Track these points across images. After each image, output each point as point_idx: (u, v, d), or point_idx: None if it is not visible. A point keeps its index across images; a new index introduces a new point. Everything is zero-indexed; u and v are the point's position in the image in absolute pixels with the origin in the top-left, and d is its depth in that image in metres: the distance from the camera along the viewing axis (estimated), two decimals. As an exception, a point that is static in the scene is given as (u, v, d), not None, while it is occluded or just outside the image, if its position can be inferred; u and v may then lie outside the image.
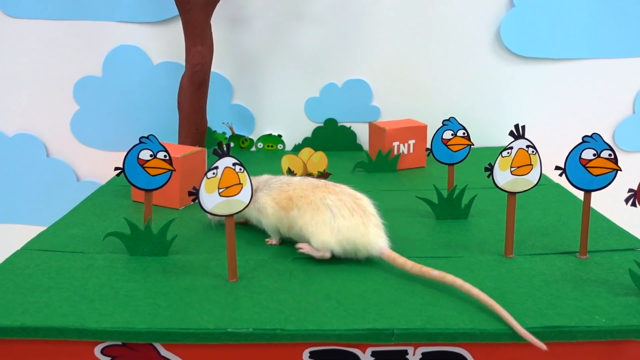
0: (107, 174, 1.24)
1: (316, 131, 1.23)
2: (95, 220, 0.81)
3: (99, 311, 0.57)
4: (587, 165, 0.66)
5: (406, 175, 1.05)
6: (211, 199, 0.61)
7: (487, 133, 1.24)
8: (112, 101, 1.21)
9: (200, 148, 0.92)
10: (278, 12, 1.17)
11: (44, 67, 1.19)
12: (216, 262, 0.69)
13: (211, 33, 1.05)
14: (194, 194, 0.60)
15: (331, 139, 1.23)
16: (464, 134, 0.80)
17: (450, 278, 0.61)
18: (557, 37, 1.17)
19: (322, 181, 0.72)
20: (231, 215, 0.62)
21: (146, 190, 0.69)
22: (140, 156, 0.68)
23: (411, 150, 1.09)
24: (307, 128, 1.23)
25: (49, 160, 1.24)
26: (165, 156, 0.68)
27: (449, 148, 0.81)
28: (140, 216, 0.82)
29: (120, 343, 0.56)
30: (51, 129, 1.23)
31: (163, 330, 0.55)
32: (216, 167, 0.60)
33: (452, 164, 0.81)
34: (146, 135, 0.67)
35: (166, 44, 1.18)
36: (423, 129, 1.09)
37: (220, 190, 0.61)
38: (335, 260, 0.68)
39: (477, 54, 1.19)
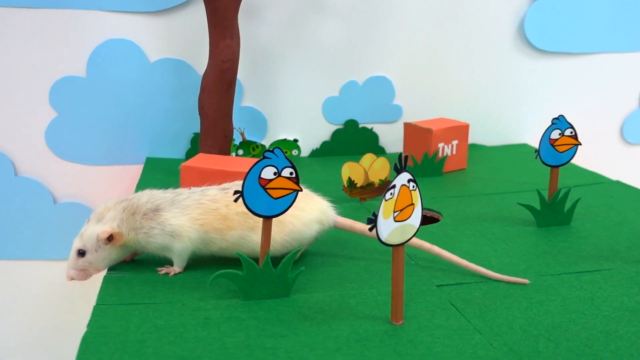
0: (90, 194, 1.05)
1: (335, 134, 1.11)
2: (161, 258, 0.64)
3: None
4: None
5: (456, 179, 0.97)
6: (387, 226, 0.49)
7: (510, 130, 1.19)
8: (97, 106, 1.01)
9: (253, 158, 0.77)
10: (294, 3, 1.04)
11: (12, 65, 0.97)
12: (355, 299, 0.56)
13: (238, 26, 0.90)
14: (373, 221, 0.47)
15: (352, 142, 1.12)
16: (571, 133, 0.73)
17: (426, 245, 0.63)
18: (579, 30, 1.15)
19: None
20: (402, 244, 0.50)
21: (266, 217, 0.54)
22: (262, 175, 0.53)
23: (454, 152, 1.02)
24: (325, 131, 1.12)
25: (17, 179, 1.01)
26: (291, 173, 0.54)
27: (555, 149, 0.73)
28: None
29: None
30: (20, 140, 1.01)
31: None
32: (394, 186, 0.48)
33: (557, 166, 0.75)
34: (271, 149, 0.53)
35: (166, 38, 1.01)
36: (465, 128, 1.02)
37: (395, 214, 0.49)
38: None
39: (500, 49, 1.14)
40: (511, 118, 1.18)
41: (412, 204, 0.50)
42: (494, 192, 0.90)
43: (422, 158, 0.98)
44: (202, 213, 0.60)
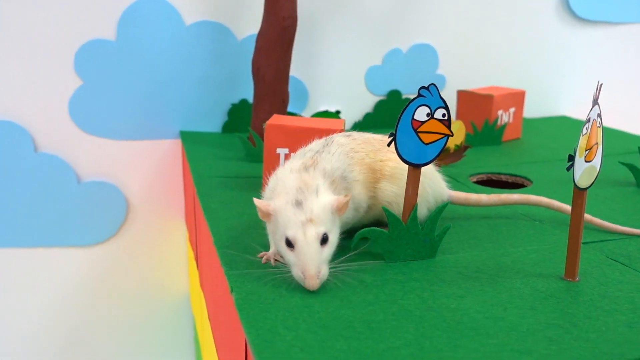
0: (118, 171, 0.95)
1: (378, 105, 1.05)
2: (263, 224, 0.56)
3: (480, 355, 0.36)
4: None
5: (519, 147, 0.93)
6: (580, 166, 0.43)
7: (548, 102, 1.16)
8: (127, 74, 0.91)
9: (331, 118, 0.70)
10: (338, -37, 0.97)
11: (33, 27, 0.86)
12: (506, 258, 0.50)
13: (295, -21, 0.82)
14: (572, 159, 0.41)
15: (395, 114, 1.06)
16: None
17: (534, 198, 0.61)
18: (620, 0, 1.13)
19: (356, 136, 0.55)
20: (587, 189, 0.45)
21: (414, 166, 0.48)
22: (415, 116, 0.46)
23: (511, 120, 0.97)
24: (368, 102, 1.05)
25: (37, 156, 0.90)
26: (444, 115, 0.47)
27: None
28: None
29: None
30: (41, 112, 0.90)
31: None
32: (589, 120, 0.42)
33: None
34: (426, 85, 0.46)
35: (204, -2, 0.92)
36: (522, 95, 0.98)
37: (586, 153, 0.43)
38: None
39: (542, 17, 1.10)
40: (550, 90, 1.15)
41: (597, 143, 0.44)
42: (559, 158, 0.86)
43: (482, 125, 0.93)
44: (359, 167, 0.51)
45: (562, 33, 1.12)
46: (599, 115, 0.44)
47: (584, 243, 0.54)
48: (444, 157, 0.80)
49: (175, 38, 0.92)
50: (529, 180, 0.76)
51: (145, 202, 0.98)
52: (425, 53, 1.05)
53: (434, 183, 0.57)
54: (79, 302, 0.98)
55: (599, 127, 0.44)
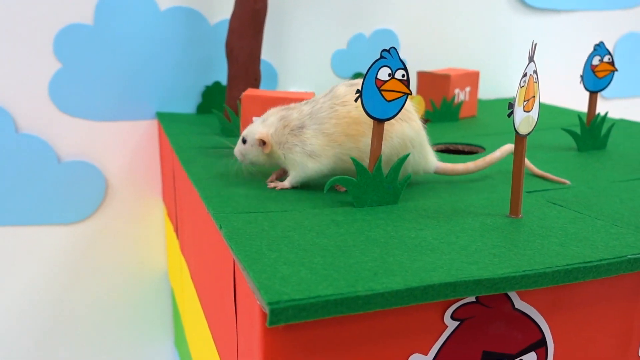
0: (97, 152, 0.99)
1: (344, 87, 1.11)
2: (242, 181, 0.62)
3: (436, 265, 0.43)
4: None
5: (475, 122, 1.00)
6: (518, 114, 0.50)
7: (499, 85, 1.24)
8: (105, 57, 0.95)
9: (307, 91, 0.76)
10: (304, -48, 1.04)
11: (13, 11, 0.90)
12: (461, 204, 0.57)
13: (265, -35, 0.88)
14: (512, 107, 0.48)
15: (360, 95, 1.12)
16: (609, 59, 0.78)
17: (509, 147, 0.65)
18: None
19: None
20: (527, 136, 0.52)
21: (379, 121, 0.54)
22: (378, 76, 0.53)
23: (467, 98, 1.05)
24: (334, 83, 1.11)
25: (18, 137, 0.94)
26: (403, 76, 0.54)
27: (595, 75, 0.78)
28: (264, 172, 0.66)
29: (474, 299, 0.43)
30: (22, 94, 0.93)
31: (519, 274, 0.43)
32: (525, 74, 0.49)
33: (596, 92, 0.79)
34: (387, 49, 0.53)
35: (178, -15, 0.97)
36: (476, 75, 1.05)
37: (524, 104, 0.50)
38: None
39: (495, 4, 1.18)
40: (502, 72, 1.23)
41: (534, 96, 0.51)
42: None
43: (440, 103, 1.00)
44: (336, 120, 0.59)
45: (513, 19, 1.21)
46: (535, 72, 0.51)
47: (528, 192, 0.61)
48: (406, 130, 0.86)
49: (151, 23, 0.97)
50: (482, 148, 0.83)
51: (124, 181, 1.02)
52: (386, 38, 1.12)
53: (421, 153, 0.62)
54: (60, 279, 1.01)
55: (536, 82, 0.51)
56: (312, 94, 0.75)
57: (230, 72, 0.89)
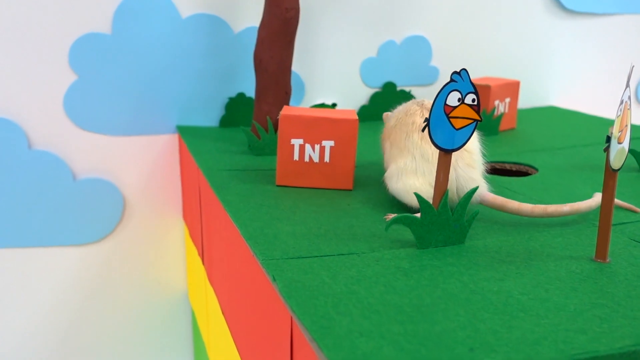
0: (114, 168, 0.93)
1: (374, 97, 1.05)
2: (288, 214, 0.56)
3: (538, 335, 0.36)
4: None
5: (516, 136, 0.94)
6: (614, 148, 0.43)
7: (535, 92, 1.18)
8: (123, 68, 0.89)
9: (342, 109, 0.70)
10: (333, -45, 0.97)
11: (27, 21, 0.84)
12: (535, 242, 0.50)
13: (297, -30, 0.81)
14: (609, 140, 0.42)
15: (391, 106, 1.05)
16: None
17: (584, 206, 0.55)
18: (605, -10, 1.15)
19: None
20: (618, 170, 0.45)
21: (445, 151, 0.48)
22: (448, 101, 0.46)
23: (506, 110, 0.98)
24: (363, 94, 1.05)
25: (32, 153, 0.88)
26: (474, 100, 0.48)
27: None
28: (305, 202, 0.60)
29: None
30: (35, 108, 0.87)
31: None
32: (622, 102, 0.43)
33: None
34: (458, 71, 0.46)
35: (200, -9, 0.91)
36: (516, 85, 0.99)
37: (618, 134, 0.44)
38: None
39: (531, 9, 1.12)
40: (539, 80, 1.17)
41: (627, 125, 0.45)
42: (566, 146, 0.87)
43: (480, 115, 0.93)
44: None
45: (549, 24, 1.14)
46: (629, 98, 0.44)
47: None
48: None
49: (172, 31, 0.91)
50: (534, 168, 0.77)
51: (142, 199, 0.96)
52: (418, 45, 1.06)
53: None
54: (75, 302, 0.95)
55: (629, 109, 0.45)
56: (353, 112, 0.68)
57: (259, 84, 0.82)
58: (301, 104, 1.01)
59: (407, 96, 1.06)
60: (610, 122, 1.03)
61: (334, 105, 1.01)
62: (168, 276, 1.00)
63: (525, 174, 0.78)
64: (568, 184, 0.69)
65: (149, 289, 1.00)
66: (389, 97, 1.06)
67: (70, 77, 0.88)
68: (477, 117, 0.48)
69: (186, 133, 0.91)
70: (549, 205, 0.55)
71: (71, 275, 0.94)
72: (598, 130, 0.97)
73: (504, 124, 0.98)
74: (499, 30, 1.11)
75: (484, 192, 0.57)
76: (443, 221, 0.49)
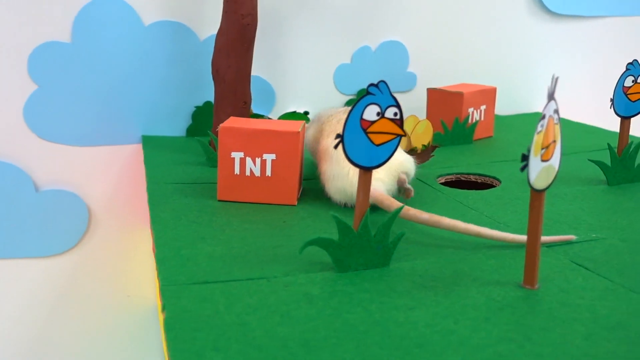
0: (78, 179, 0.91)
1: (348, 104, 1.02)
2: (215, 232, 0.53)
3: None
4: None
5: (491, 145, 0.90)
6: (535, 166, 0.40)
7: (522, 98, 1.14)
8: (84, 77, 0.88)
9: (302, 121, 0.67)
10: (302, -41, 0.95)
11: (-18, 30, 0.83)
12: (464, 264, 0.47)
13: (254, -24, 0.79)
14: (526, 158, 0.39)
15: (365, 113, 1.03)
16: (645, 80, 0.67)
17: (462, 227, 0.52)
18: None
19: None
20: (545, 190, 0.42)
21: (365, 169, 0.45)
22: (364, 115, 0.44)
23: (482, 118, 0.95)
24: (337, 102, 1.02)
25: (-8, 164, 0.87)
26: (395, 114, 0.45)
27: (627, 97, 0.67)
28: (241, 219, 0.57)
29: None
30: (-5, 119, 0.86)
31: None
32: (544, 116, 0.40)
33: (629, 117, 0.68)
34: (375, 83, 0.44)
35: (163, -2, 0.89)
36: (492, 92, 0.95)
37: (542, 152, 0.41)
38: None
39: (514, 12, 1.08)
40: (523, 86, 1.13)
41: (555, 140, 0.42)
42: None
43: (452, 124, 0.90)
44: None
45: (534, 28, 1.10)
46: (556, 112, 0.41)
47: (548, 246, 0.52)
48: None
49: (134, 39, 0.89)
50: (498, 180, 0.74)
51: (108, 210, 0.94)
52: (395, 50, 1.03)
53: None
54: (40, 316, 0.94)
55: (557, 123, 0.42)
56: (301, 124, 0.66)
57: (217, 94, 0.80)
58: (271, 113, 0.99)
59: (382, 103, 1.03)
60: (596, 130, 0.99)
61: (306, 113, 0.99)
62: (136, 288, 0.98)
63: (490, 185, 0.75)
64: (525, 197, 0.65)
65: (116, 302, 0.98)
66: (363, 104, 1.03)
67: (30, 87, 0.86)
68: (399, 132, 0.45)
69: (149, 143, 0.89)
70: (443, 218, 0.52)
71: (36, 287, 0.93)
72: (580, 139, 0.93)
73: (479, 133, 0.94)
74: (480, 34, 1.07)
75: (376, 190, 0.55)
76: (364, 243, 0.46)
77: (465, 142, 0.91)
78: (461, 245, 0.52)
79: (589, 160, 0.71)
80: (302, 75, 0.99)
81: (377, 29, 1.01)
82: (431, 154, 0.78)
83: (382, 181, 0.58)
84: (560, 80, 1.14)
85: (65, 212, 0.92)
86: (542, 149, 0.40)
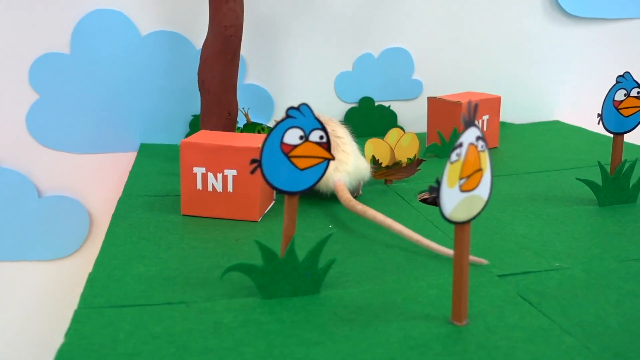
0: (79, 186, 0.93)
1: (350, 113, 1.00)
2: (159, 250, 0.53)
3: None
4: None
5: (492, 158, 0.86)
6: (452, 197, 0.37)
7: (539, 106, 1.08)
8: (84, 87, 0.89)
9: (263, 134, 0.66)
10: (301, -34, 0.93)
11: (-15, 42, 0.86)
12: (400, 294, 0.45)
13: (241, -14, 0.79)
14: (435, 189, 0.36)
15: (368, 122, 1.01)
16: (638, 93, 0.62)
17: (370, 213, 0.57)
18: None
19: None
20: (469, 222, 0.39)
21: (290, 194, 0.43)
22: (285, 139, 0.42)
23: (484, 128, 0.91)
24: (338, 110, 1.00)
25: (-4, 171, 0.90)
26: (321, 137, 0.43)
27: (619, 112, 0.63)
28: (195, 236, 0.56)
29: None
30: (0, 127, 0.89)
31: None
32: (461, 145, 0.37)
33: (622, 134, 0.64)
34: (296, 106, 0.42)
35: (160, 8, 0.90)
36: (496, 101, 0.91)
37: (461, 182, 0.38)
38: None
39: (528, 15, 1.03)
40: (540, 92, 1.08)
41: (481, 169, 0.39)
42: (537, 170, 0.79)
43: (450, 135, 0.87)
44: None
45: (551, 32, 1.04)
46: (480, 139, 0.38)
47: (500, 276, 0.48)
48: (396, 172, 0.74)
49: (131, 49, 0.90)
50: (481, 197, 0.70)
51: (108, 216, 0.94)
52: (398, 57, 1.00)
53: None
54: (42, 318, 0.97)
55: (482, 151, 0.39)
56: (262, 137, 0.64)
57: (202, 105, 0.80)
58: (270, 121, 0.98)
59: (385, 112, 1.01)
60: (605, 140, 0.93)
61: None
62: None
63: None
64: (502, 217, 0.62)
65: (117, 305, 1.00)
66: (366, 112, 1.00)
67: (32, 97, 0.89)
68: (327, 155, 0.43)
69: (144, 151, 0.90)
70: (377, 214, 0.56)
71: (39, 289, 0.96)
72: (591, 152, 0.88)
73: (482, 143, 0.90)
74: (491, 39, 1.03)
75: (337, 180, 0.63)
76: (290, 269, 0.44)
77: (464, 153, 0.87)
78: (406, 271, 0.49)
79: (577, 179, 0.66)
80: (301, 83, 0.98)
81: (380, 35, 0.98)
82: (417, 168, 0.76)
83: (347, 173, 0.65)
84: (581, 87, 1.08)
85: (67, 217, 0.94)
86: (461, 179, 0.38)
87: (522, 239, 0.56)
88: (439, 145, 0.87)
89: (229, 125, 0.80)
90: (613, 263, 0.50)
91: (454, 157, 0.37)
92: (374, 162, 0.73)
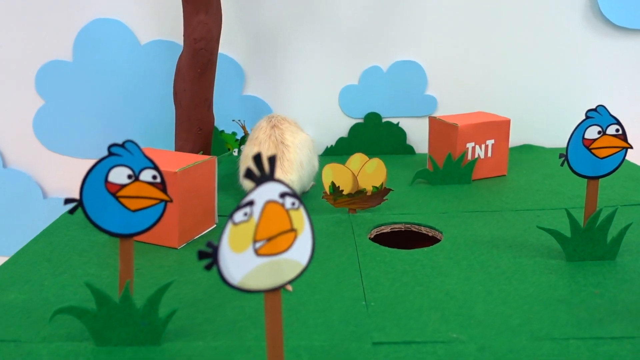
0: (82, 189, 0.96)
1: (354, 129, 0.94)
2: (49, 275, 0.52)
3: None
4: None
5: (488, 188, 0.77)
6: (241, 262, 0.32)
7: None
8: (86, 93, 0.92)
9: (207, 157, 0.63)
10: (304, -27, 0.89)
11: (-4, 49, 0.91)
12: (249, 354, 0.40)
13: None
14: (209, 255, 0.31)
15: (374, 139, 0.94)
16: (617, 130, 0.52)
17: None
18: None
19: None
20: (276, 290, 0.34)
21: (122, 237, 0.40)
22: (110, 178, 0.39)
23: (489, 154, 0.81)
24: (342, 126, 0.95)
25: (6, 171, 0.95)
26: (154, 177, 0.39)
27: (592, 153, 0.52)
28: (106, 261, 0.54)
29: None
30: (8, 130, 0.94)
31: None
32: (250, 203, 0.32)
33: (596, 178, 0.53)
34: (120, 143, 0.39)
35: (158, 17, 0.89)
36: (505, 124, 0.81)
37: (258, 245, 0.33)
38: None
39: (565, 26, 0.91)
40: (576, 113, 0.94)
41: (294, 229, 0.33)
42: (527, 207, 0.69)
43: (444, 161, 0.78)
44: None
45: (592, 46, 0.91)
46: (287, 195, 0.32)
47: (376, 343, 0.42)
48: (360, 201, 0.68)
49: (131, 57, 0.91)
50: (441, 233, 0.62)
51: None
52: (410, 71, 0.92)
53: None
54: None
55: (296, 209, 0.33)
56: (195, 157, 0.61)
57: (176, 118, 0.79)
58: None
59: (393, 129, 0.94)
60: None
61: (234, 133, 0.91)
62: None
63: (435, 239, 0.64)
64: (444, 263, 0.54)
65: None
66: (371, 129, 0.94)
67: (38, 102, 0.92)
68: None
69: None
70: None
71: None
72: (617, 189, 0.75)
73: (487, 171, 0.81)
74: (521, 52, 0.92)
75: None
76: (126, 316, 0.41)
77: (460, 181, 0.79)
78: (261, 323, 0.44)
79: (538, 227, 0.56)
80: (304, 96, 0.94)
81: (389, 47, 0.91)
82: (383, 198, 0.69)
83: (298, 177, 0.69)
84: (625, 109, 0.94)
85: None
86: (257, 241, 0.32)
87: (441, 297, 0.48)
88: (430, 171, 0.79)
89: (199, 140, 0.78)
90: (524, 341, 0.42)
91: (239, 216, 0.31)
92: (334, 189, 0.68)
